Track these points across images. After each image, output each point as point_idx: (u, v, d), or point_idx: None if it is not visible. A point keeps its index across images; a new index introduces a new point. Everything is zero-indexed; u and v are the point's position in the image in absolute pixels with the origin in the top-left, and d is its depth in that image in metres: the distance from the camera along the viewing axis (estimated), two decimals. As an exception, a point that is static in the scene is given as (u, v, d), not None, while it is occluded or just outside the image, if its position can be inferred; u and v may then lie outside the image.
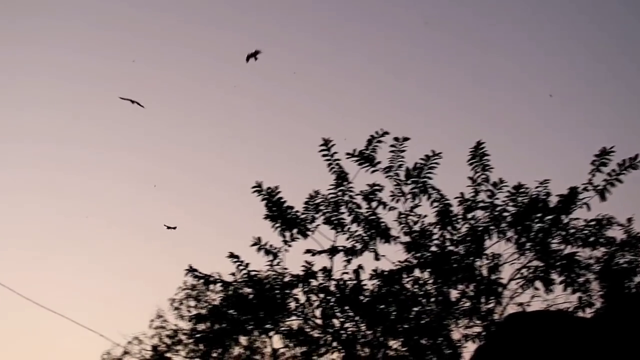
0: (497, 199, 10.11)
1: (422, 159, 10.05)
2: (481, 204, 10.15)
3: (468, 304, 10.20)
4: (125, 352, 20.80)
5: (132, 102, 12.18)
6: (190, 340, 20.61)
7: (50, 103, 39.86)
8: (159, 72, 40.45)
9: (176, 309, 21.38)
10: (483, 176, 10.12)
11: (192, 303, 21.34)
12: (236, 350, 20.35)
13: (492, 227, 10.09)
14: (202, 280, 11.03)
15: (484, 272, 10.18)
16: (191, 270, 10.87)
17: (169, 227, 13.77)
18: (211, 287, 11.44)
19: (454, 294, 10.26)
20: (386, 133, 10.03)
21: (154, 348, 21.00)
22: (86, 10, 37.09)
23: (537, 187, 10.14)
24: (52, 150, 39.73)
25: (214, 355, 20.04)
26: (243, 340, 20.05)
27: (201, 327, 15.69)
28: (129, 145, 41.53)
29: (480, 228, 10.11)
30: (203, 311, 19.47)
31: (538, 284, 10.25)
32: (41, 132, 40.41)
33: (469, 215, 10.20)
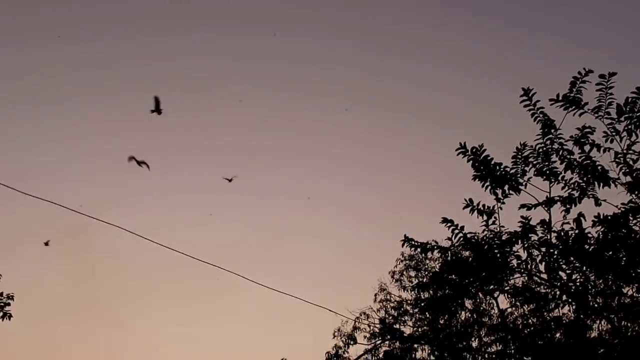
0: None
1: (633, 92, 9.42)
2: None
3: None
4: (355, 328, 21.37)
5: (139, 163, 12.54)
6: (416, 310, 20.83)
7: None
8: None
9: (397, 280, 21.69)
10: None
11: (412, 273, 21.57)
12: (462, 315, 20.32)
13: None
14: (419, 249, 11.07)
15: None
16: (407, 240, 10.97)
17: (228, 179, 13.99)
18: (429, 254, 11.48)
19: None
20: (590, 71, 9.52)
21: (382, 321, 21.42)
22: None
23: None
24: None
25: (441, 321, 20.15)
26: (468, 304, 19.98)
27: (425, 295, 15.82)
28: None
29: None
30: (424, 280, 19.62)
31: None
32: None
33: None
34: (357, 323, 21.42)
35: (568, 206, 9.92)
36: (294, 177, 44.12)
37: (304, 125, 43.11)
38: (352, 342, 21.33)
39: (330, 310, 12.88)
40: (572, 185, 9.94)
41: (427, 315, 19.67)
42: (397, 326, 21.29)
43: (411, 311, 21.24)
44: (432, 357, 20.42)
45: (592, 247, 9.83)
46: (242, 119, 42.49)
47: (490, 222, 10.30)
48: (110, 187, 38.76)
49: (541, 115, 9.91)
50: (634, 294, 10.10)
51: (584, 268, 10.07)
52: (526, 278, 10.88)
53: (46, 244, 19.99)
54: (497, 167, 10.13)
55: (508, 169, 10.13)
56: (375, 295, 21.95)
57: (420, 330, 21.04)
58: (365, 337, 21.44)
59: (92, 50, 39.90)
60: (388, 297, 21.84)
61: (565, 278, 10.19)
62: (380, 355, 20.80)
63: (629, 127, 9.56)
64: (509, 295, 11.65)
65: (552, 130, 9.89)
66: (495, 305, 20.04)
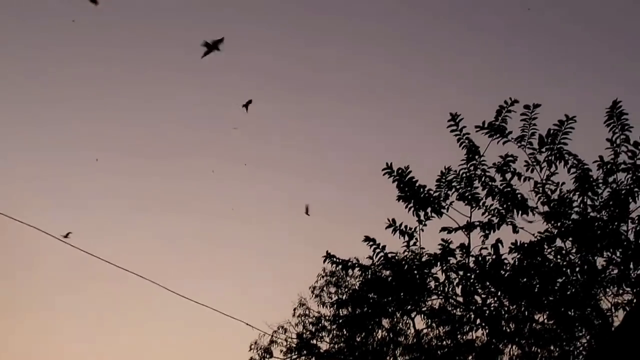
0: (639, 159, 9.61)
1: (555, 124, 9.72)
2: (622, 166, 9.68)
3: (616, 271, 9.76)
4: (272, 341, 21.31)
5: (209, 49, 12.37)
6: (334, 326, 20.90)
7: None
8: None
9: (317, 295, 21.74)
10: (622, 137, 9.66)
11: (333, 289, 21.65)
12: (379, 334, 20.47)
13: (636, 189, 9.60)
14: (340, 266, 11.12)
15: (631, 236, 9.70)
16: (329, 256, 10.99)
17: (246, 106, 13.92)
18: (350, 272, 11.53)
19: (599, 262, 9.85)
20: (516, 101, 9.79)
21: (299, 336, 21.42)
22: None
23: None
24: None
25: (358, 339, 20.26)
26: (385, 323, 20.16)
27: (343, 312, 15.88)
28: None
29: (624, 191, 9.64)
30: (344, 296, 19.71)
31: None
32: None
33: (610, 179, 9.75)
34: (274, 337, 21.37)
35: (487, 232, 10.13)
36: (218, 188, 43.79)
37: (227, 135, 42.88)
38: (268, 356, 21.27)
39: (246, 324, 12.78)
40: (492, 212, 10.16)
41: (345, 332, 19.78)
42: (314, 342, 21.32)
43: (329, 327, 21.31)
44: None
45: (507, 273, 10.04)
46: (167, 123, 41.97)
47: (411, 243, 10.43)
48: (31, 189, 37.75)
49: (466, 141, 10.11)
50: (545, 321, 10.34)
51: (499, 293, 10.28)
52: (443, 300, 11.03)
53: None
54: (421, 190, 10.28)
55: (432, 192, 10.29)
56: (295, 309, 21.98)
57: (337, 346, 21.10)
58: (281, 351, 21.42)
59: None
60: (307, 312, 21.87)
61: (480, 302, 10.39)
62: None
63: (550, 158, 9.85)
64: (426, 316, 11.76)
65: (476, 157, 10.11)
66: (411, 325, 20.29)
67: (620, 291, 9.85)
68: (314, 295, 21.78)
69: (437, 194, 10.30)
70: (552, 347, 10.76)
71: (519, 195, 10.00)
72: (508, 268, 10.04)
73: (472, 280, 10.25)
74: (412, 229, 10.40)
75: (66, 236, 11.70)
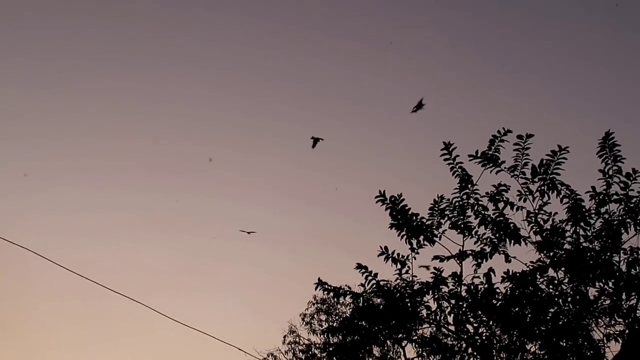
0: (631, 190, 9.66)
1: (548, 154, 9.77)
2: (615, 197, 9.73)
3: (608, 302, 9.76)
4: (262, 369, 21.14)
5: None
6: (324, 354, 20.75)
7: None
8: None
9: (308, 323, 21.62)
10: (615, 168, 9.71)
11: (323, 317, 21.55)
12: (369, 362, 20.32)
13: (628, 220, 9.64)
14: (331, 293, 11.08)
15: (623, 267, 9.72)
16: (321, 283, 10.96)
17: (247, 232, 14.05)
18: (341, 299, 11.49)
19: (592, 292, 9.86)
20: (509, 131, 9.84)
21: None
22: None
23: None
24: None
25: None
26: (376, 351, 20.03)
27: (334, 340, 15.78)
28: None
29: (616, 222, 9.68)
30: (335, 324, 19.61)
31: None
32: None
33: (603, 210, 9.79)
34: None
35: (479, 260, 10.14)
36: (212, 209, 43.69)
37: (224, 154, 42.91)
38: (257, 384, 21.08)
39: (239, 349, 12.67)
40: (485, 241, 10.17)
41: (335, 360, 19.62)
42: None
43: (319, 355, 21.17)
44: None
45: (499, 302, 10.04)
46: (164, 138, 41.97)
47: (403, 270, 10.42)
48: (17, 205, 37.59)
49: (459, 170, 10.15)
50: (537, 351, 10.30)
51: (491, 322, 10.26)
52: (435, 329, 10.99)
53: None
54: (414, 218, 10.29)
55: (424, 220, 10.30)
56: (285, 336, 21.84)
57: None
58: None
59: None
60: (297, 339, 21.74)
61: (472, 331, 10.36)
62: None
63: (542, 188, 9.89)
64: (417, 345, 11.69)
65: (469, 185, 10.13)
66: (402, 354, 20.15)
67: (612, 322, 9.83)
68: (304, 323, 21.68)
69: (429, 222, 10.31)
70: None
71: (511, 225, 10.03)
72: (500, 297, 10.04)
73: (464, 309, 10.23)
74: (405, 257, 10.40)
75: None
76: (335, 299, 11.45)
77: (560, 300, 9.91)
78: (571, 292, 9.88)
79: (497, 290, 10.04)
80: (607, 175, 9.76)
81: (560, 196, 9.88)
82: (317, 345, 21.20)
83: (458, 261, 10.24)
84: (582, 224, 9.84)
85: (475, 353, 10.49)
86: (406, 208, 10.27)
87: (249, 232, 15.14)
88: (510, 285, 9.97)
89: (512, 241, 10.04)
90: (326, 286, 10.95)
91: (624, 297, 9.66)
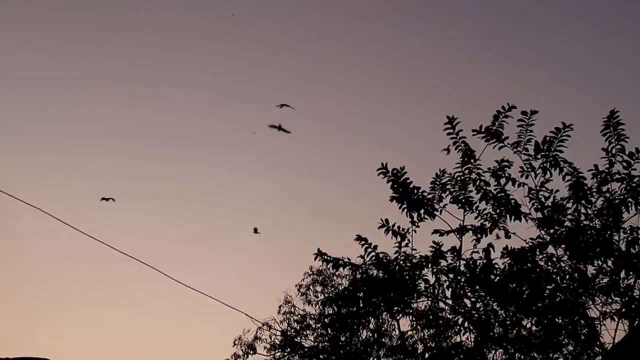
0: (634, 169, 9.67)
1: (552, 132, 9.75)
2: (617, 176, 9.73)
3: (606, 280, 9.80)
4: (256, 338, 21.25)
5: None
6: (319, 325, 20.88)
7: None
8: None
9: (303, 294, 21.69)
10: (618, 147, 9.70)
11: (319, 288, 21.59)
12: (364, 334, 20.45)
13: (629, 200, 9.65)
14: (330, 264, 11.08)
15: (622, 246, 9.75)
16: (320, 254, 10.96)
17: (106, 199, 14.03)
18: (339, 271, 11.51)
19: (590, 270, 9.89)
20: (513, 107, 9.82)
21: (283, 333, 21.37)
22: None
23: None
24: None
25: (342, 339, 20.25)
26: (371, 323, 20.12)
27: (329, 311, 15.87)
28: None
29: (617, 201, 9.69)
30: (331, 295, 19.70)
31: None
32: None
33: (604, 188, 9.80)
34: (258, 333, 21.32)
35: (479, 235, 10.16)
36: (220, 178, 43.70)
37: (223, 130, 42.82)
38: (251, 352, 21.21)
39: (246, 315, 12.74)
40: (485, 216, 10.18)
41: (329, 331, 19.75)
42: (298, 340, 21.28)
43: (314, 326, 21.27)
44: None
45: (498, 277, 10.07)
46: (169, 112, 41.91)
47: (403, 243, 10.43)
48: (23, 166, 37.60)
49: (462, 145, 10.13)
50: (533, 328, 10.35)
51: (488, 297, 10.30)
52: (431, 302, 11.02)
53: None
54: (415, 191, 10.28)
55: (425, 194, 10.30)
56: (280, 307, 21.92)
57: (320, 345, 21.07)
58: (265, 347, 21.36)
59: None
60: (292, 309, 21.82)
61: (469, 305, 10.40)
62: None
63: (545, 164, 9.88)
64: (412, 318, 11.75)
65: (472, 160, 10.12)
66: (396, 326, 20.27)
67: (609, 300, 9.88)
68: (300, 293, 21.74)
69: (431, 195, 10.31)
70: (536, 355, 10.77)
71: (512, 201, 10.03)
72: (498, 273, 10.06)
73: (462, 284, 10.26)
74: (405, 230, 10.41)
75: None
76: (334, 270, 11.44)
77: (558, 278, 9.95)
78: (569, 270, 9.92)
79: (496, 266, 10.08)
80: (610, 154, 9.76)
81: (563, 174, 9.88)
82: (312, 316, 21.31)
83: (458, 235, 10.26)
84: (583, 202, 9.84)
85: (471, 327, 10.54)
86: (408, 181, 10.26)
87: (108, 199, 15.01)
88: (509, 261, 10.00)
89: (513, 217, 10.04)
90: (325, 257, 10.96)
91: (622, 275, 9.70)
